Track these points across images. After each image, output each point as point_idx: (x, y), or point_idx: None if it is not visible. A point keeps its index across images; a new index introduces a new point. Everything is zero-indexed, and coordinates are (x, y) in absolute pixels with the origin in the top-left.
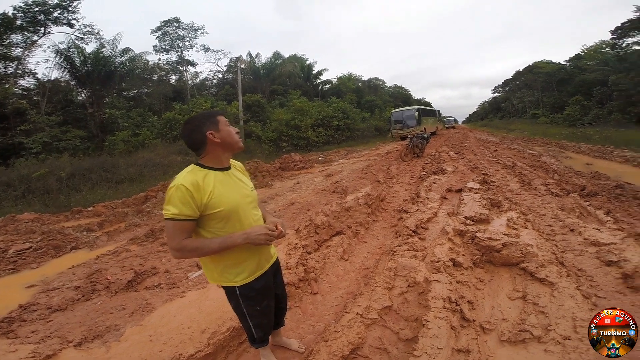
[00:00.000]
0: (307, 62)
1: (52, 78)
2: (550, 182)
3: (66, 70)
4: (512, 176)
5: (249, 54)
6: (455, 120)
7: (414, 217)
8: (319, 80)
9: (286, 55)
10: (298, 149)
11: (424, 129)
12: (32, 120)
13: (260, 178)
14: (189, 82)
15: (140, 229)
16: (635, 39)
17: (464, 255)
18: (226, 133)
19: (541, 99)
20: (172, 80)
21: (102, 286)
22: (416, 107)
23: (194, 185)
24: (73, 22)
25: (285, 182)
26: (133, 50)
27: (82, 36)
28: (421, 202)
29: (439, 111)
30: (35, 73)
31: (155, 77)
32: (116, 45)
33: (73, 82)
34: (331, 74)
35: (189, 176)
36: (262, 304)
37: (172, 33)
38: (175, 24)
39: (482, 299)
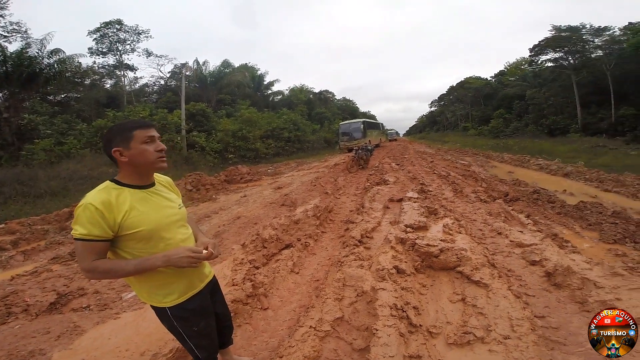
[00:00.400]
0: (259, 72)
1: None
2: (479, 189)
3: None
4: (447, 185)
5: (196, 61)
6: (397, 133)
7: (360, 227)
8: (270, 91)
9: (237, 64)
10: (246, 160)
11: (369, 141)
12: None
13: (204, 192)
14: (127, 87)
15: (64, 247)
16: (549, 56)
17: (406, 262)
18: (138, 152)
19: (470, 113)
20: (107, 85)
21: (19, 309)
22: (362, 120)
23: (105, 205)
24: None
25: (231, 195)
26: (64, 52)
27: (6, 34)
28: (366, 212)
29: (382, 124)
30: None
31: (87, 81)
32: (45, 46)
33: None
34: (283, 85)
35: (100, 194)
36: (199, 325)
37: (112, 35)
38: (117, 26)
39: (426, 304)
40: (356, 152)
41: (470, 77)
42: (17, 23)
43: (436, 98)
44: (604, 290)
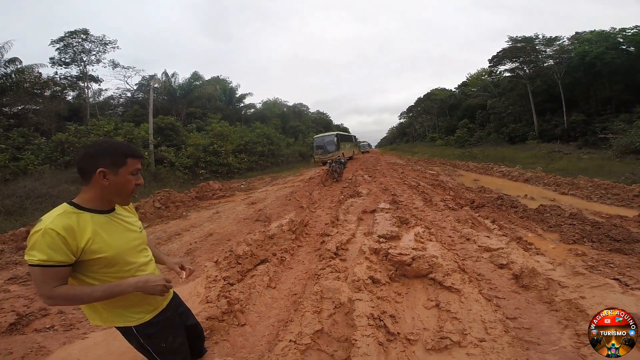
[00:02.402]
0: (230, 85)
1: None
2: (447, 198)
3: None
4: (417, 195)
5: (165, 73)
6: (369, 145)
7: (335, 239)
8: (242, 104)
9: (207, 77)
10: (218, 176)
11: (342, 153)
12: None
13: (173, 209)
14: (91, 99)
15: (22, 267)
16: (506, 67)
17: (380, 271)
18: (123, 181)
19: (437, 123)
20: (69, 97)
21: None
22: (335, 132)
23: (67, 230)
24: None
25: (202, 212)
26: (21, 61)
27: None
28: (340, 224)
29: (355, 136)
30: None
31: (47, 93)
32: (2, 54)
33: None
34: (256, 99)
35: (60, 219)
36: (167, 340)
37: (76, 45)
38: (82, 35)
39: (402, 312)
40: (330, 165)
41: (436, 88)
42: None
43: (405, 110)
44: (568, 290)
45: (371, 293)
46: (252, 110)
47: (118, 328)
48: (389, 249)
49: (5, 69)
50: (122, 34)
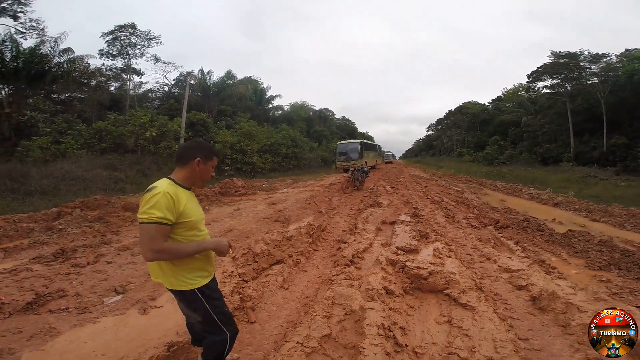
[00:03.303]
0: (262, 86)
1: None
2: (471, 216)
3: None
4: (439, 210)
5: (201, 70)
6: (393, 156)
7: (352, 247)
8: (271, 106)
9: (240, 76)
10: (242, 174)
11: (365, 162)
12: None
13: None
14: (131, 91)
15: (48, 247)
16: (546, 83)
17: (395, 283)
18: (206, 171)
19: (466, 138)
20: (112, 88)
21: None
22: (359, 140)
23: (175, 196)
24: (19, 14)
25: (224, 207)
26: (74, 51)
27: (23, 30)
28: (358, 233)
29: (379, 146)
30: None
31: (93, 83)
32: (58, 44)
33: None
34: (284, 101)
35: (170, 187)
36: (221, 300)
37: (124, 39)
38: (130, 29)
39: (413, 325)
40: (352, 173)
41: (468, 102)
42: (35, 20)
43: (434, 122)
44: (586, 314)
45: (384, 303)
46: (280, 112)
47: (182, 293)
48: (406, 261)
49: (59, 58)
50: (164, 28)
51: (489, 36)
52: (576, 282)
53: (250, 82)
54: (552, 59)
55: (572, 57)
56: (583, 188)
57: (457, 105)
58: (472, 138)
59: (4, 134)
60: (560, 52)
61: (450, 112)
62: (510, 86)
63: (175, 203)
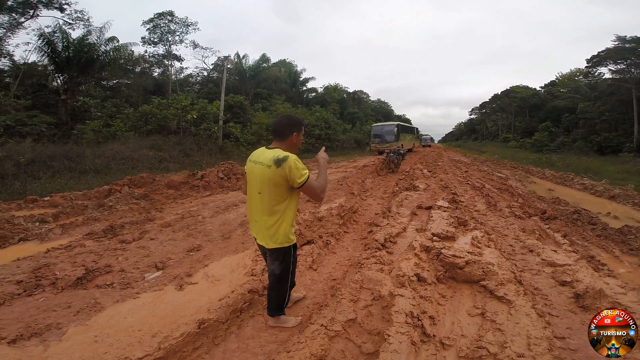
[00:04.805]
0: (296, 69)
1: (29, 61)
2: (515, 204)
3: (46, 54)
4: (480, 197)
5: (237, 55)
6: (431, 139)
7: (384, 231)
8: (305, 88)
9: (275, 59)
10: None
11: (402, 145)
12: None
13: (234, 180)
14: (173, 77)
15: (99, 223)
16: (608, 68)
17: (428, 270)
18: (299, 140)
19: (513, 123)
20: (155, 74)
21: (47, 282)
22: (396, 123)
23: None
24: (65, 6)
25: None
26: (118, 40)
27: (70, 22)
28: (392, 216)
29: (417, 129)
30: (13, 55)
31: (138, 69)
32: (103, 34)
33: (51, 67)
34: (318, 83)
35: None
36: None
37: (163, 26)
38: (168, 17)
39: (443, 315)
40: (387, 155)
41: (517, 85)
42: (80, 11)
43: (477, 105)
44: (635, 316)
45: (414, 291)
46: (314, 94)
47: (283, 249)
48: (442, 248)
49: (105, 46)
50: (200, 14)
51: (543, 19)
52: (627, 281)
53: (285, 65)
54: (617, 43)
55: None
56: None
57: (504, 89)
58: (520, 123)
59: (61, 118)
60: (626, 36)
61: (496, 95)
62: (565, 71)
63: None
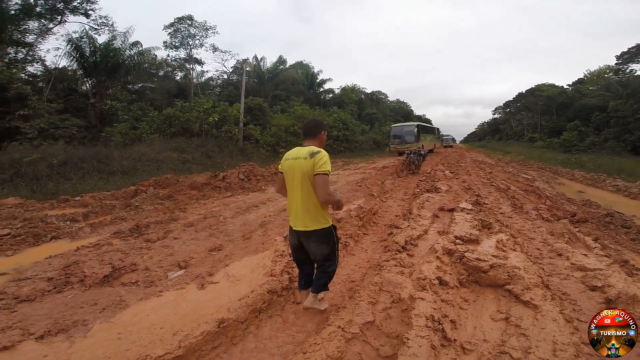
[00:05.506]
0: (312, 70)
1: (60, 66)
2: (542, 207)
3: (75, 59)
4: (505, 199)
5: (255, 57)
6: (453, 139)
7: (404, 233)
8: (322, 89)
9: (291, 60)
10: None
11: (422, 145)
12: (32, 105)
13: (254, 182)
14: (194, 80)
15: (126, 223)
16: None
17: (450, 274)
18: (325, 138)
19: (540, 123)
20: (178, 77)
21: (76, 279)
22: (416, 123)
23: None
24: (90, 12)
25: None
26: (142, 44)
27: (96, 27)
28: (413, 218)
29: (438, 129)
30: (44, 60)
31: (161, 73)
32: (127, 38)
33: (80, 72)
34: (335, 84)
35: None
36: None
37: (184, 30)
38: (188, 21)
39: (465, 319)
40: (407, 156)
41: (543, 84)
42: (105, 17)
43: (501, 105)
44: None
45: (436, 294)
46: (331, 95)
47: (324, 231)
48: (465, 252)
49: (130, 51)
50: (219, 18)
51: (564, 13)
52: None
53: (301, 67)
54: None
55: None
56: None
57: (529, 87)
58: (547, 123)
59: (90, 121)
60: None
61: (520, 94)
62: (593, 68)
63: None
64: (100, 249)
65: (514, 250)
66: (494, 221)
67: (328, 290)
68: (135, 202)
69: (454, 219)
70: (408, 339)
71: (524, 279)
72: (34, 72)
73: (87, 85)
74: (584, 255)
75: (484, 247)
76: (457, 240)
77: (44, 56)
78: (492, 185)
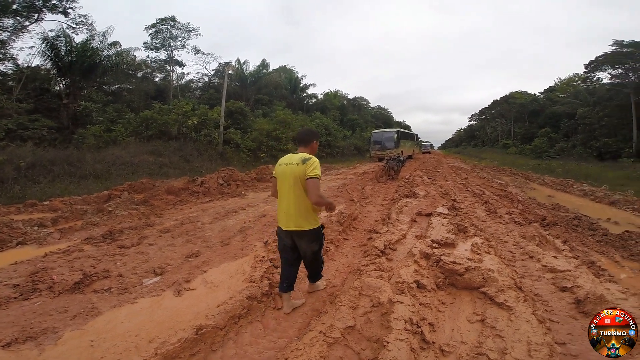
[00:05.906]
0: (296, 75)
1: (33, 65)
2: (514, 211)
3: (49, 58)
4: (480, 204)
5: (238, 60)
6: (431, 146)
7: (383, 237)
8: (305, 94)
9: (275, 64)
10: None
11: (401, 151)
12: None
13: (234, 186)
14: (174, 82)
15: (98, 228)
16: (606, 73)
17: (428, 277)
18: (317, 147)
19: (513, 129)
20: (157, 79)
21: (44, 286)
22: (396, 129)
23: None
24: (69, 10)
25: (259, 193)
26: (121, 45)
27: (74, 26)
28: (392, 223)
29: (417, 135)
30: (17, 58)
31: (139, 74)
32: (106, 38)
33: (54, 71)
34: (318, 89)
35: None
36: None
37: (165, 31)
38: (171, 22)
39: (443, 322)
40: (387, 162)
41: (516, 91)
42: (84, 16)
43: (477, 112)
44: (638, 321)
45: (414, 298)
46: (314, 100)
47: (312, 231)
48: (441, 255)
49: (108, 51)
50: (202, 20)
51: (546, 24)
52: (628, 286)
53: (285, 71)
54: (615, 48)
55: (637, 46)
56: None
57: (504, 95)
58: (519, 129)
59: (62, 122)
60: (624, 41)
61: (495, 101)
62: (564, 76)
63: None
64: (70, 255)
65: (488, 253)
66: (469, 225)
67: (322, 276)
68: (108, 207)
69: (431, 223)
70: (388, 343)
71: (498, 281)
72: (4, 70)
73: (61, 85)
74: (554, 257)
75: (460, 250)
76: (434, 244)
77: (16, 54)
78: (468, 190)
